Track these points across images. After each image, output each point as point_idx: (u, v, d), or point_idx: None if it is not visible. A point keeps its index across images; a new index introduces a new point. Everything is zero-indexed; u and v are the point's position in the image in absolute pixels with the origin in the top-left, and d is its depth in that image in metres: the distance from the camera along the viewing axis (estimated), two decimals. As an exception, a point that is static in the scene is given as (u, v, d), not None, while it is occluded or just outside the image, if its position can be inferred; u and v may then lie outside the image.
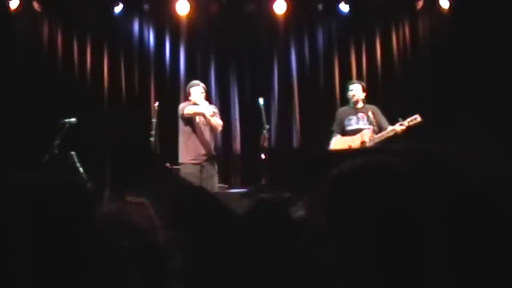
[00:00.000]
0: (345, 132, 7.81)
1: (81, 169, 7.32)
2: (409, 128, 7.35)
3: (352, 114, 7.74)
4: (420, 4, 9.29)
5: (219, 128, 7.97)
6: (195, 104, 7.61)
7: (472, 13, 8.71)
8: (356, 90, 7.77)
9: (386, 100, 8.49)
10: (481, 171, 1.76)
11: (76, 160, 7.29)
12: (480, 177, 1.73)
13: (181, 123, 7.74)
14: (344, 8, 9.34)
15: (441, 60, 9.13)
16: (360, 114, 7.69)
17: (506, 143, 7.48)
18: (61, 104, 8.42)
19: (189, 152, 7.69)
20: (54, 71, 8.97)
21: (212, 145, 7.87)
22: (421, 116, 7.36)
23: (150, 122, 7.81)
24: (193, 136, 7.69)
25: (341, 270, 1.46)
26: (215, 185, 7.83)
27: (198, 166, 7.62)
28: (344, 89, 8.41)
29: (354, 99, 7.73)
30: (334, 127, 7.85)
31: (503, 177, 1.74)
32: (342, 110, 7.99)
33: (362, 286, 1.40)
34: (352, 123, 7.72)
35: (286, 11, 9.17)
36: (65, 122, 7.45)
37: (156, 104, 7.94)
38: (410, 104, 8.26)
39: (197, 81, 7.85)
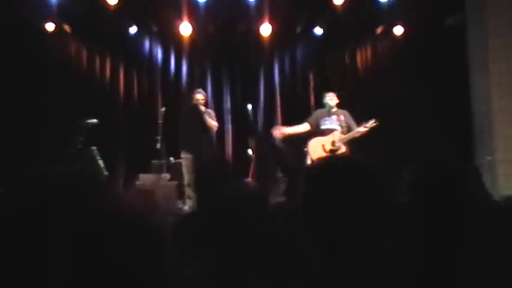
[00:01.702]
0: (319, 130, 8.52)
1: (100, 161, 8.20)
2: (370, 129, 8.27)
3: (327, 116, 8.52)
4: (379, 30, 10.26)
5: (214, 129, 8.58)
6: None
7: (419, 38, 9.73)
8: (331, 98, 8.61)
9: (353, 107, 8.99)
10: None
11: (96, 154, 8.18)
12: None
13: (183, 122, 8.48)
14: (318, 31, 10.29)
15: (396, 75, 9.86)
16: (333, 117, 8.51)
17: (449, 139, 8.72)
18: (85, 107, 9.04)
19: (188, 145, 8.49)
20: (80, 81, 9.71)
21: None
22: (379, 121, 8.23)
23: (157, 124, 8.62)
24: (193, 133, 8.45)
25: (313, 249, 1.64)
26: None
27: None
28: (317, 98, 9.34)
29: (330, 104, 8.56)
30: (309, 119, 8.59)
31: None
32: (319, 111, 8.72)
33: (332, 261, 1.57)
34: (327, 123, 8.47)
35: (271, 33, 10.00)
36: (88, 123, 8.24)
37: (163, 109, 8.79)
38: (372, 110, 8.81)
39: (200, 90, 8.60)
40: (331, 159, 2.18)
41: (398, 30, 10.06)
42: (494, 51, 8.90)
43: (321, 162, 2.02)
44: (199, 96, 8.42)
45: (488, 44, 8.90)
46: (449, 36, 9.45)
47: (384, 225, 1.58)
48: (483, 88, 9.05)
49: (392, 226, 1.66)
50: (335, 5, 9.67)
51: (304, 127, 8.53)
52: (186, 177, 8.31)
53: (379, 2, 9.73)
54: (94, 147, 8.25)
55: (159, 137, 8.60)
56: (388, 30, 10.23)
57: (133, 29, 10.05)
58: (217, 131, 8.89)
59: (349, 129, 8.48)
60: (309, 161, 8.43)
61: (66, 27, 9.77)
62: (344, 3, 9.63)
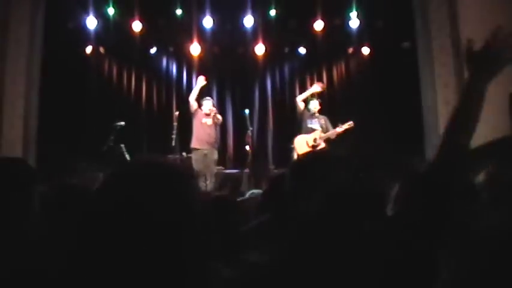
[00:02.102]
0: (305, 127, 9.23)
1: (127, 156, 8.77)
2: (345, 130, 9.06)
3: (311, 118, 9.28)
4: (351, 50, 11.23)
5: (220, 121, 9.14)
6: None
7: (382, 57, 10.69)
8: (314, 104, 9.38)
9: (331, 112, 9.77)
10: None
11: (124, 150, 8.85)
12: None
13: (194, 120, 8.98)
14: (302, 50, 11.24)
15: (365, 87, 10.80)
16: (315, 120, 9.30)
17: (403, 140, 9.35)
18: (115, 113, 9.60)
19: (198, 141, 9.02)
20: (111, 91, 10.55)
21: (214, 139, 9.08)
22: (354, 123, 9.04)
23: (173, 125, 9.17)
24: (202, 131, 8.98)
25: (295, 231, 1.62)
26: (214, 166, 9.06)
27: (204, 151, 8.94)
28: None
29: (313, 109, 9.31)
30: (300, 116, 9.25)
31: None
32: (307, 113, 9.32)
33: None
34: (311, 124, 9.25)
35: (264, 52, 10.89)
36: (117, 125, 8.90)
37: (177, 112, 9.41)
38: (346, 114, 9.49)
39: (208, 98, 9.23)
40: (314, 152, 2.56)
41: (365, 50, 10.96)
42: (439, 68, 9.85)
43: (306, 154, 2.26)
44: (207, 102, 8.98)
45: (434, 63, 9.81)
46: (405, 56, 10.14)
47: (359, 209, 1.53)
48: (431, 100, 9.78)
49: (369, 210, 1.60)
50: (315, 30, 10.44)
51: (298, 138, 9.24)
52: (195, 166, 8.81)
53: (350, 27, 10.54)
54: (122, 145, 8.85)
55: (173, 136, 9.11)
56: (358, 51, 11.08)
57: (153, 50, 10.87)
58: (220, 130, 9.61)
59: (327, 130, 9.18)
60: (295, 155, 9.14)
61: (101, 49, 10.67)
62: (323, 28, 10.39)
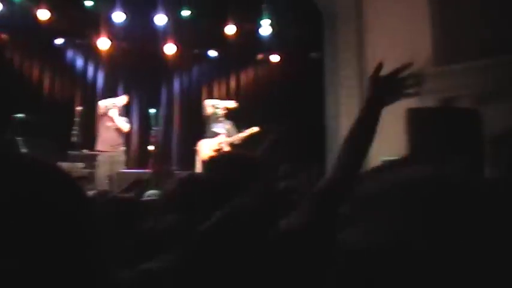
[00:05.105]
0: (209, 131, 9.36)
1: (24, 151, 8.11)
2: (250, 135, 9.20)
3: (217, 122, 9.43)
4: (260, 57, 11.36)
5: (125, 130, 9.29)
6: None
7: (290, 65, 10.98)
8: (221, 109, 9.51)
9: (238, 117, 9.82)
10: None
11: (21, 144, 8.38)
12: None
13: (100, 123, 9.06)
14: (212, 53, 11.27)
15: (272, 94, 11.01)
16: (221, 124, 9.43)
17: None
18: (15, 104, 9.24)
19: (103, 144, 9.10)
20: (12, 81, 10.01)
21: (120, 142, 9.21)
22: (258, 129, 9.15)
23: (74, 120, 9.13)
24: (107, 133, 9.09)
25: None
26: (121, 167, 9.05)
27: (109, 154, 9.01)
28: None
29: (218, 113, 9.46)
30: (206, 119, 9.46)
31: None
32: (213, 117, 9.49)
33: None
34: (216, 128, 9.40)
35: (174, 52, 10.76)
36: (17, 117, 8.63)
37: (80, 108, 9.36)
38: (252, 120, 9.63)
39: (116, 103, 9.23)
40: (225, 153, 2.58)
41: (274, 58, 11.17)
42: (343, 80, 10.29)
43: (219, 155, 2.38)
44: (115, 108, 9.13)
45: (339, 75, 10.21)
46: (313, 66, 10.46)
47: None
48: (334, 110, 10.23)
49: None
50: (227, 34, 10.50)
51: (202, 142, 9.34)
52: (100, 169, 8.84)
53: (261, 34, 10.69)
54: (19, 138, 8.49)
55: (75, 132, 9.05)
56: (267, 57, 11.25)
57: (60, 41, 10.52)
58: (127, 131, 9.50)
59: (232, 135, 9.30)
60: (197, 157, 9.18)
61: (4, 36, 10.23)
62: (235, 32, 10.46)
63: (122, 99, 9.37)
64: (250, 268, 1.45)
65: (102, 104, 9.23)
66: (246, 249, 1.48)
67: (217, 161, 2.10)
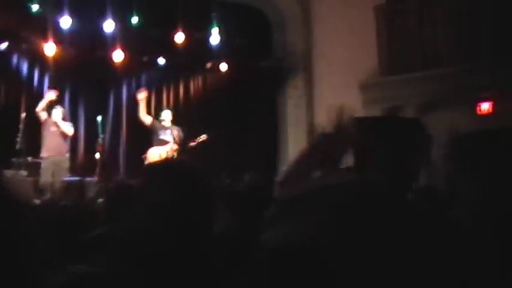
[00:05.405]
0: (156, 139, 9.40)
1: None
2: (200, 142, 9.24)
3: (163, 129, 9.44)
4: (209, 65, 11.35)
5: (70, 134, 9.26)
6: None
7: (239, 74, 10.96)
8: (167, 115, 9.58)
9: (187, 124, 9.94)
10: None
11: None
12: None
13: (44, 129, 8.98)
14: (161, 61, 11.16)
15: (221, 102, 11.11)
16: (168, 131, 9.43)
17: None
18: None
19: (47, 150, 9.07)
20: None
21: (64, 148, 9.22)
22: (207, 137, 9.27)
23: (19, 127, 9.02)
24: (51, 139, 9.06)
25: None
26: (65, 174, 8.94)
27: (53, 160, 8.98)
28: (157, 113, 10.14)
29: (166, 120, 9.50)
30: (151, 128, 9.46)
31: None
32: (158, 125, 9.55)
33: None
34: (163, 135, 9.43)
35: (122, 60, 10.52)
36: None
37: (23, 114, 9.25)
38: (201, 127, 9.75)
39: (58, 106, 9.27)
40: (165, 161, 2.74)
41: (223, 66, 11.14)
42: (290, 89, 10.67)
43: (157, 163, 2.37)
44: (56, 111, 9.17)
45: (287, 85, 10.57)
46: (262, 76, 10.82)
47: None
48: (282, 119, 10.67)
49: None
50: (176, 42, 10.46)
51: (151, 150, 9.34)
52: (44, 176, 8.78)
53: (210, 42, 10.75)
54: None
55: (19, 139, 8.92)
56: (216, 66, 11.20)
57: (4, 45, 10.12)
58: (72, 136, 9.54)
59: (180, 141, 9.32)
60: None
61: None
62: (184, 41, 10.45)
63: (51, 95, 9.26)
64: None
65: (38, 108, 9.22)
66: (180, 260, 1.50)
67: (153, 169, 2.05)
